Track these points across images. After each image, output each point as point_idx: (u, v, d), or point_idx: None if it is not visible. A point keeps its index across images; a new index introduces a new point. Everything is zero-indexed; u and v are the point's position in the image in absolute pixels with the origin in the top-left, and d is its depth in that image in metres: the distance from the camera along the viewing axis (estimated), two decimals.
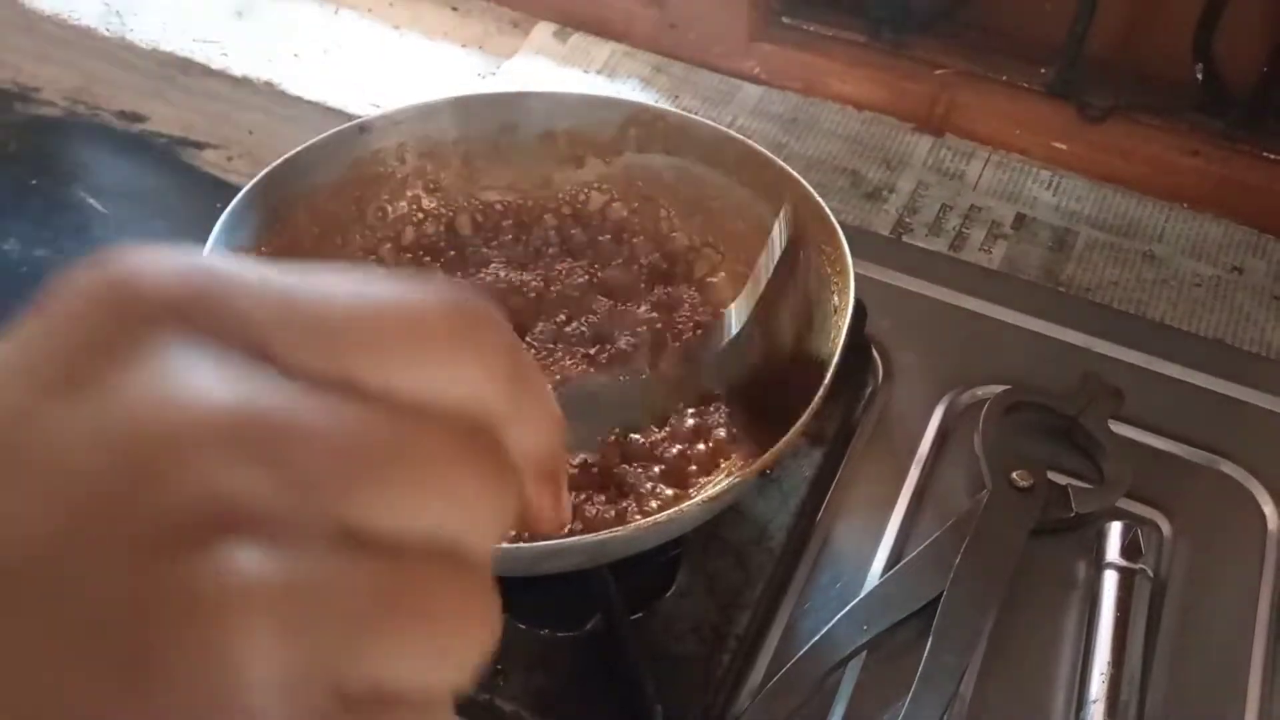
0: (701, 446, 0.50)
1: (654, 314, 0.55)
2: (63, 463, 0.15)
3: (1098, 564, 0.50)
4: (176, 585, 0.15)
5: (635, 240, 0.59)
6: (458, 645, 0.17)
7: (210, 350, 0.16)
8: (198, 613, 0.15)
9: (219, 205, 0.53)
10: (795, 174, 0.53)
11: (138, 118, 0.83)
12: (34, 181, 0.81)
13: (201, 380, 0.15)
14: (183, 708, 0.14)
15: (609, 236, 0.59)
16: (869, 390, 0.58)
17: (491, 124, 0.58)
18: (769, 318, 0.51)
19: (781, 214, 0.51)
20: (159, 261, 0.16)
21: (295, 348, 0.16)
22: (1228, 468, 0.54)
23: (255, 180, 0.52)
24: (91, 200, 0.80)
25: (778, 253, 0.50)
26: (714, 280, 0.58)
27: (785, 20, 0.80)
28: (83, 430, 0.15)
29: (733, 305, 0.53)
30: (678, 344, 0.54)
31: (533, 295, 0.56)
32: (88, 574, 0.15)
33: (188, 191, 0.80)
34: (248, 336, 0.16)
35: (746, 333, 0.51)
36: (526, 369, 0.19)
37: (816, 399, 0.44)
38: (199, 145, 0.81)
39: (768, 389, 0.51)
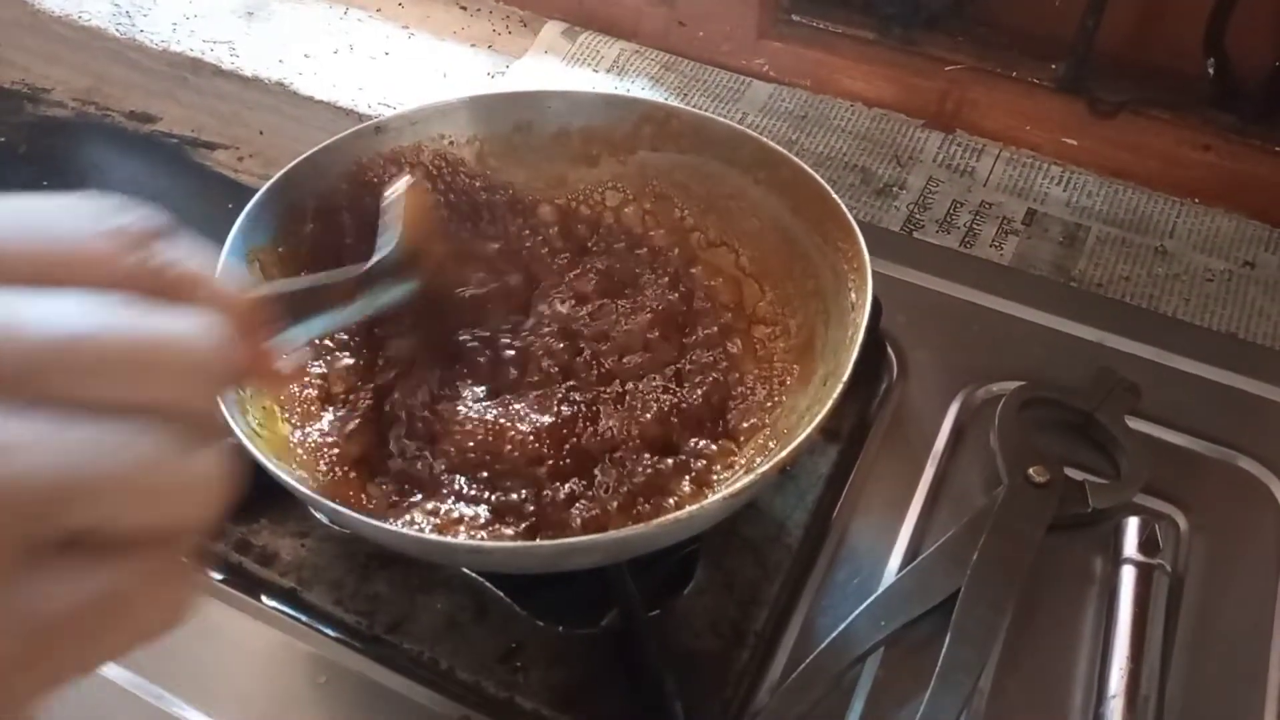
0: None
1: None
2: None
3: (1115, 559, 0.50)
4: None
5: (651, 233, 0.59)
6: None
7: None
8: None
9: (231, 205, 0.53)
10: (810, 170, 0.53)
11: (148, 118, 0.83)
12: (45, 183, 0.81)
13: None
14: None
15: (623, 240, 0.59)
16: (884, 386, 0.58)
17: (506, 123, 0.58)
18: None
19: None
20: None
21: None
22: (1244, 462, 0.54)
23: (273, 180, 0.52)
24: None
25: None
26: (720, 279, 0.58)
27: (794, 17, 0.80)
28: None
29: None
30: None
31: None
32: None
33: (199, 192, 0.80)
34: None
35: None
36: (167, 258, 0.22)
37: (835, 395, 0.44)
38: (210, 146, 0.81)
39: None
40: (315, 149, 0.54)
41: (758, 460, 0.49)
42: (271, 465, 0.41)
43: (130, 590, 0.19)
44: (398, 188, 0.46)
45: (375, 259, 0.43)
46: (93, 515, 0.18)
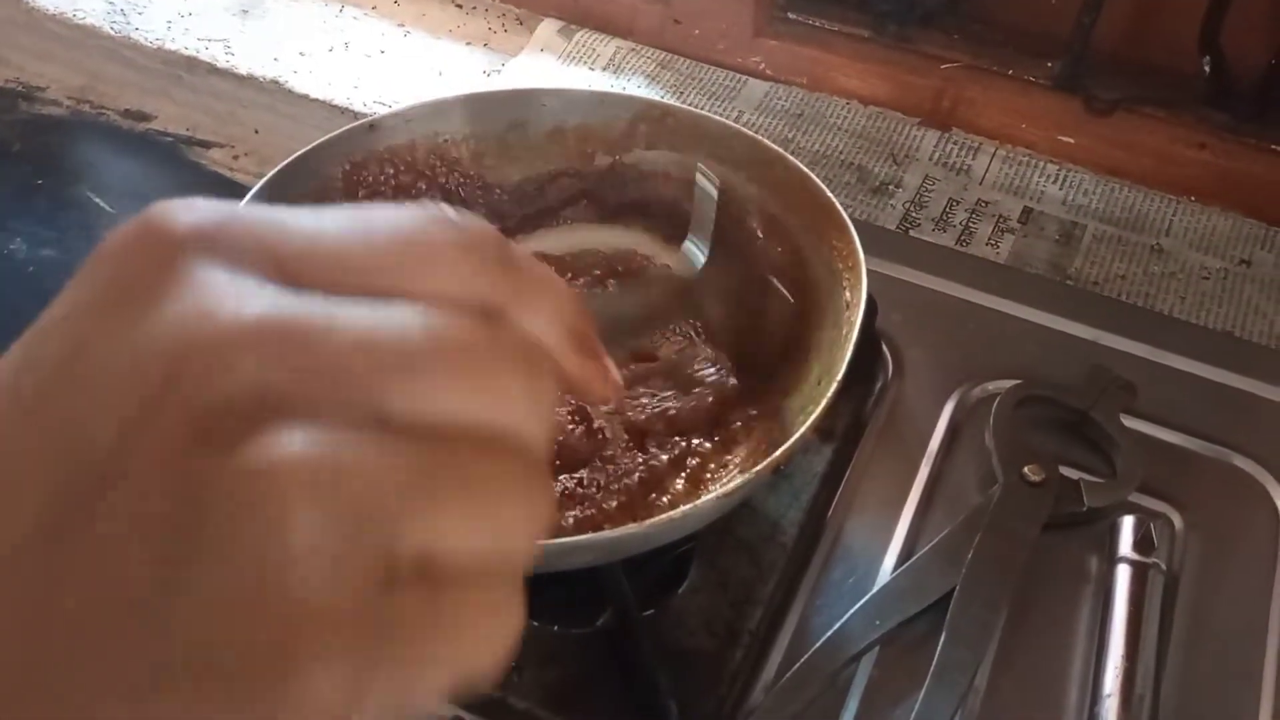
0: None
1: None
2: (115, 378, 0.17)
3: (1110, 558, 0.50)
4: (222, 471, 0.16)
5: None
6: (506, 516, 0.18)
7: (236, 270, 0.17)
8: (243, 492, 0.16)
9: None
10: (805, 169, 0.53)
11: (143, 116, 0.83)
12: (39, 181, 0.81)
13: (231, 294, 0.17)
14: (233, 582, 0.16)
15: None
16: (879, 385, 0.58)
17: (501, 121, 0.58)
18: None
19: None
20: (188, 205, 0.18)
21: (313, 270, 0.18)
22: (1239, 461, 0.54)
23: (266, 179, 0.52)
24: (97, 199, 0.80)
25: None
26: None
27: (790, 15, 0.79)
28: (131, 348, 0.17)
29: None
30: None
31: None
32: (142, 471, 0.16)
33: (194, 190, 0.79)
34: (270, 261, 0.18)
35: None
36: (517, 258, 0.20)
37: (829, 394, 0.44)
38: (205, 144, 0.81)
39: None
40: (309, 147, 0.54)
41: (752, 459, 0.49)
42: None
43: (464, 620, 0.18)
44: None
45: None
46: (437, 540, 0.17)
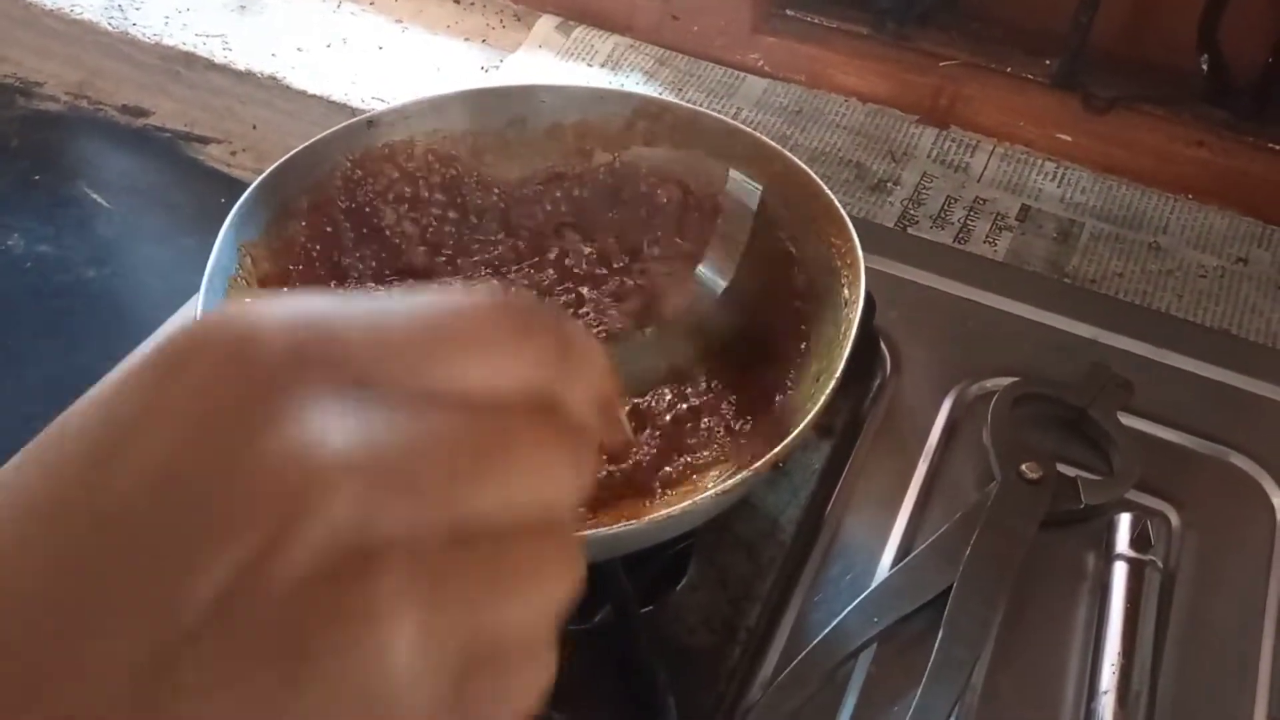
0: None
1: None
2: (221, 514, 0.17)
3: (1107, 555, 0.50)
4: (333, 610, 0.17)
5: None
6: (565, 584, 0.20)
7: (326, 398, 0.18)
8: (349, 620, 0.17)
9: (223, 200, 0.53)
10: (803, 166, 0.53)
11: (141, 112, 0.83)
12: (37, 177, 0.81)
13: (327, 428, 0.17)
14: (336, 698, 0.17)
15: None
16: (877, 383, 0.58)
17: (499, 117, 0.58)
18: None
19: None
20: (268, 317, 0.18)
21: (388, 374, 0.19)
22: (1236, 459, 0.54)
23: (264, 175, 0.52)
24: (95, 195, 0.80)
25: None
26: None
27: (788, 12, 0.80)
28: (235, 483, 0.17)
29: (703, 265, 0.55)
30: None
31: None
32: (250, 612, 0.17)
33: (191, 186, 0.80)
34: (352, 373, 0.18)
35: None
36: (571, 335, 0.21)
37: (828, 391, 0.44)
38: (202, 140, 0.81)
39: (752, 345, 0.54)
40: (307, 143, 0.54)
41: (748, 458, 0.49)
42: None
43: (527, 563, 0.19)
44: None
45: None
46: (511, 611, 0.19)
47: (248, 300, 0.19)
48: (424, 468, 0.18)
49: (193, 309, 0.48)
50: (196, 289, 0.48)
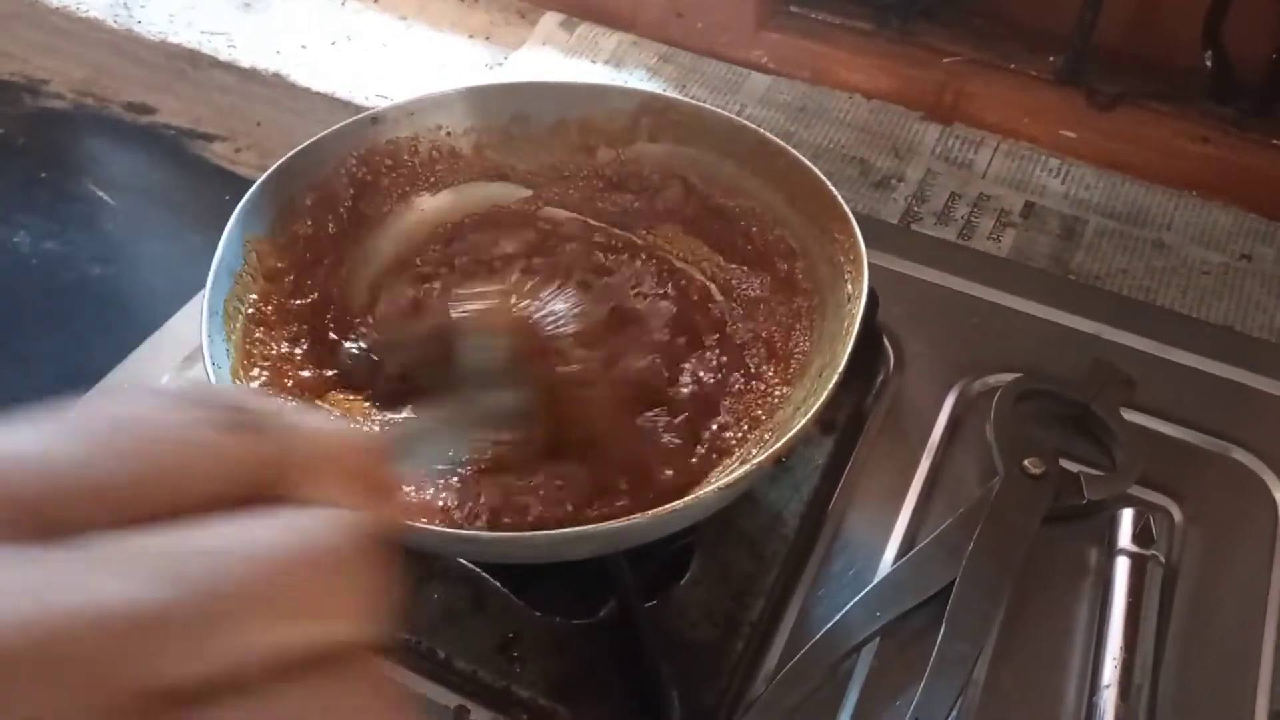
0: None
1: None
2: None
3: (1110, 550, 0.50)
4: None
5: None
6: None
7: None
8: None
9: (227, 197, 0.53)
10: (807, 162, 0.53)
11: (146, 110, 0.83)
12: (43, 174, 0.81)
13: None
14: None
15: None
16: (880, 378, 0.58)
17: (503, 114, 0.58)
18: None
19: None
20: None
21: (78, 514, 0.16)
22: (1239, 454, 0.54)
23: (270, 172, 0.52)
24: (100, 192, 0.80)
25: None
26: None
27: (792, 9, 0.80)
28: None
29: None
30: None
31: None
32: None
33: (196, 183, 0.80)
34: (29, 517, 0.16)
35: None
36: (289, 436, 0.18)
37: (831, 387, 0.44)
38: (207, 137, 0.81)
39: None
40: (312, 140, 0.54)
41: (754, 451, 0.49)
42: None
43: None
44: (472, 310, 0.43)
45: (482, 392, 0.41)
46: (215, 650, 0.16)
47: None
48: (106, 636, 0.15)
49: (199, 304, 0.48)
50: (201, 285, 0.48)
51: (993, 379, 0.57)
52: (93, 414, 0.17)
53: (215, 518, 0.17)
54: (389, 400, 0.50)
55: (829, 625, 0.47)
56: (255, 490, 0.18)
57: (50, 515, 0.16)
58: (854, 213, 0.51)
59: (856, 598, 0.48)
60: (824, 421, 0.54)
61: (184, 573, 0.16)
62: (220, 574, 0.16)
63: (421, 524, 0.45)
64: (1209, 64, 0.70)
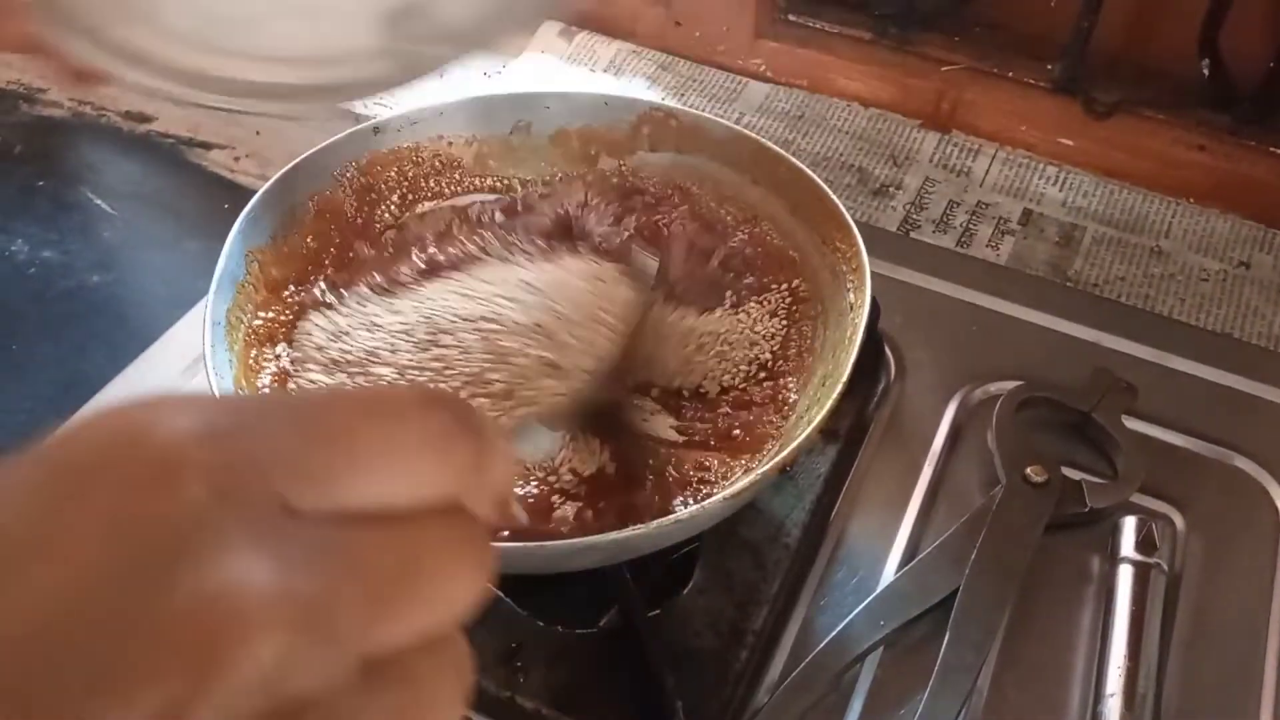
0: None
1: None
2: (136, 658, 0.16)
3: (1112, 558, 0.50)
4: None
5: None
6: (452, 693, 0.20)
7: (243, 533, 0.17)
8: None
9: (226, 206, 0.53)
10: (808, 171, 0.53)
11: (144, 118, 0.83)
12: (40, 182, 0.81)
13: (246, 570, 0.17)
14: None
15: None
16: (882, 387, 0.58)
17: (504, 124, 0.58)
18: None
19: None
20: (182, 433, 0.18)
21: (306, 499, 0.18)
22: (1240, 462, 0.54)
23: (271, 181, 0.52)
24: (98, 201, 0.80)
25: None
26: None
27: (791, 17, 0.80)
28: (150, 622, 0.16)
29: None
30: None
31: None
32: None
33: (195, 192, 0.80)
34: (271, 502, 0.18)
35: None
36: (488, 440, 0.21)
37: (834, 396, 0.44)
38: (206, 146, 0.81)
39: None
40: (314, 150, 0.54)
41: (757, 461, 0.49)
42: None
43: (427, 694, 0.19)
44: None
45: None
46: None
47: (151, 401, 0.18)
48: (342, 608, 0.18)
49: (200, 314, 0.48)
50: (201, 294, 0.48)
51: (993, 387, 0.57)
52: (352, 397, 0.20)
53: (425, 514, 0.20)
54: None
55: (833, 634, 0.47)
56: (450, 498, 0.20)
57: (287, 494, 0.18)
58: (854, 221, 0.51)
59: (860, 606, 0.48)
60: (826, 430, 0.54)
61: (387, 563, 0.19)
62: (412, 566, 0.19)
63: None
64: (1206, 72, 0.70)
